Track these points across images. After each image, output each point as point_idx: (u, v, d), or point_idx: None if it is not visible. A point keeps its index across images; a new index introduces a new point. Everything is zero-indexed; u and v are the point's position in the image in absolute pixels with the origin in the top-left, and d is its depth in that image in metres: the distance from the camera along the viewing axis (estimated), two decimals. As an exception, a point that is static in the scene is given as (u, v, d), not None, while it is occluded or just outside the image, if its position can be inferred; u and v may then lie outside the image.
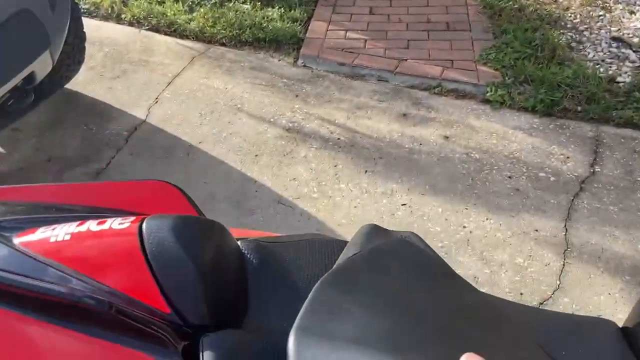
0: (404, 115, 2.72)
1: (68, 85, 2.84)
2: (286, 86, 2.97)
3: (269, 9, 3.49)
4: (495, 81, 2.80)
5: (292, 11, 3.45)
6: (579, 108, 2.64)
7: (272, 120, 2.73)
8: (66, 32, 2.08)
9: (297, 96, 2.89)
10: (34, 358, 0.51)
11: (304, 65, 3.11)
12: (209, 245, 0.59)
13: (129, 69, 3.13)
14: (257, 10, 3.49)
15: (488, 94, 2.75)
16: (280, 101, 2.86)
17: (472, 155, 2.48)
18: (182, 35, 3.40)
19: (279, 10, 3.45)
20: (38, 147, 2.59)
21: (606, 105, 2.60)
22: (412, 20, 3.33)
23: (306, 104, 2.83)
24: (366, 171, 2.41)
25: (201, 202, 2.29)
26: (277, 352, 0.57)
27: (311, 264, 0.68)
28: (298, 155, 2.52)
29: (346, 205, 2.26)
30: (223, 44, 3.32)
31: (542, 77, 2.73)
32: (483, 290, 1.87)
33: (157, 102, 2.88)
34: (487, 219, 2.18)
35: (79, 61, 2.68)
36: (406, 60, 3.01)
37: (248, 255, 0.65)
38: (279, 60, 3.18)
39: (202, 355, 0.51)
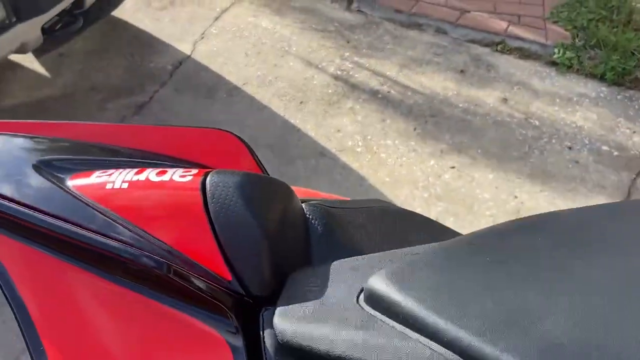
0: (462, 72, 2.56)
1: (115, 13, 2.76)
2: (337, 31, 2.81)
3: (326, -54, 3.27)
4: (564, 42, 2.58)
5: (350, -50, 3.23)
6: (655, 79, 2.42)
7: (320, 66, 2.61)
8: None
9: (348, 42, 2.74)
10: (85, 311, 0.46)
11: (359, 10, 2.94)
12: (275, 208, 0.52)
13: (177, 1, 3.02)
14: (313, -54, 3.28)
15: (555, 56, 2.55)
16: (330, 47, 2.72)
17: (531, 121, 2.32)
18: (233, -31, 3.24)
19: (336, -52, 3.24)
20: (82, 74, 2.55)
21: (686, 79, 2.37)
22: (479, -32, 3.08)
23: (357, 52, 2.68)
24: (415, 129, 2.29)
25: (242, 146, 2.22)
26: None
27: (377, 232, 0.60)
28: (344, 106, 2.41)
29: (391, 163, 2.16)
30: (275, -19, 3.16)
31: (615, 43, 2.50)
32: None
33: (203, 37, 2.78)
34: (540, 191, 2.05)
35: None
36: (469, 12, 2.80)
37: (313, 221, 0.58)
38: (332, 3, 3.01)
39: (263, 332, 0.45)
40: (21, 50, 1.74)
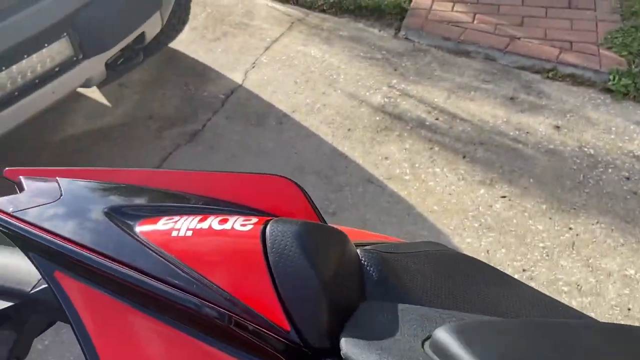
0: (512, 99, 2.52)
1: (170, 45, 2.90)
2: (385, 59, 2.84)
3: (374, -25, 3.33)
4: (619, 69, 2.51)
5: (398, -21, 3.27)
6: None
7: (367, 94, 2.63)
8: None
9: (395, 70, 2.76)
10: (148, 356, 0.48)
11: (406, 38, 2.96)
12: (333, 258, 0.53)
13: (229, 32, 3.13)
14: (360, -24, 3.35)
15: (610, 83, 2.48)
16: (378, 74, 2.74)
17: (586, 149, 2.25)
18: (283, 0, 3.35)
19: (384, -23, 3.29)
20: (140, 104, 2.67)
21: None
22: (529, -6, 3.05)
23: (405, 80, 2.70)
24: (464, 156, 2.27)
25: (290, 173, 2.26)
26: None
27: (432, 279, 0.60)
28: (392, 134, 2.42)
29: (440, 191, 2.14)
30: (323, 11, 3.24)
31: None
32: (587, 300, 1.71)
33: (254, 66, 2.87)
34: (597, 223, 1.98)
35: (184, 21, 2.70)
36: (519, 38, 2.77)
37: (368, 267, 0.59)
38: (380, 31, 3.05)
39: None
40: (86, 84, 1.84)
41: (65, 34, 1.60)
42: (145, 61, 2.56)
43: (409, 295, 0.57)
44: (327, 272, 0.51)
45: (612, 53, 2.61)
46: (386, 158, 2.31)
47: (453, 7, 3.05)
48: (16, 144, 2.49)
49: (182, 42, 3.01)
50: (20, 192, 0.62)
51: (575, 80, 2.56)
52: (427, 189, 2.16)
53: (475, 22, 2.93)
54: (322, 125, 2.50)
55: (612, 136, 2.30)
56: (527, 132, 2.35)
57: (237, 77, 2.80)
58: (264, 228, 0.53)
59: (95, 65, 1.76)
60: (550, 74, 2.60)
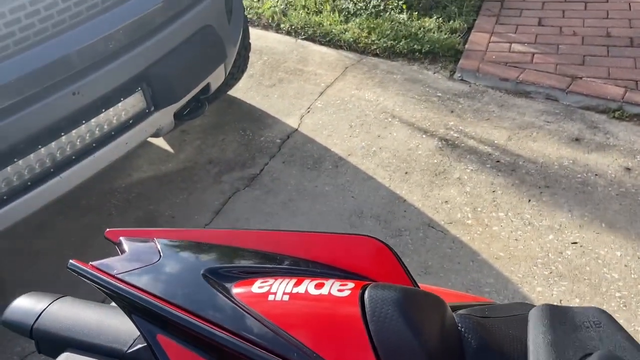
0: (577, 140, 2.44)
1: (229, 92, 2.99)
2: (441, 101, 2.83)
3: (426, 19, 3.37)
4: (693, 106, 2.39)
5: (451, 22, 3.29)
6: None
7: (424, 136, 2.61)
8: (238, 45, 2.17)
9: (452, 112, 2.74)
10: None
11: (462, 79, 2.95)
12: (435, 326, 0.51)
13: (285, 78, 3.21)
14: (413, 20, 3.39)
15: (684, 122, 2.36)
16: (434, 116, 2.72)
17: (662, 192, 2.13)
18: (337, 45, 3.42)
19: (437, 20, 3.32)
20: (201, 149, 2.75)
21: None
22: (588, 33, 2.99)
23: (462, 121, 2.66)
24: (529, 200, 2.19)
25: (348, 217, 2.24)
26: None
27: (525, 345, 0.56)
28: (451, 176, 2.37)
29: (505, 237, 2.07)
30: (376, 55, 3.28)
31: None
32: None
33: (309, 111, 2.91)
34: (680, 272, 1.85)
35: (243, 70, 2.80)
36: (581, 77, 2.70)
37: (466, 334, 0.56)
38: (434, 73, 3.05)
39: None
40: (156, 134, 1.92)
41: (139, 88, 1.68)
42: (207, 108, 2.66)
43: None
44: (430, 341, 0.49)
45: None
46: (446, 202, 2.26)
47: (510, 47, 3.02)
48: (85, 190, 2.60)
49: (240, 89, 3.11)
50: (121, 254, 0.63)
51: (645, 119, 2.46)
52: (492, 234, 2.09)
53: (534, 62, 2.89)
54: (378, 168, 2.49)
55: (690, 178, 2.17)
56: (596, 174, 2.25)
57: (292, 122, 2.85)
58: (362, 293, 0.52)
59: (165, 116, 1.83)
60: (616, 114, 2.51)
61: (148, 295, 0.52)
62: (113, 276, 0.55)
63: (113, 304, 0.71)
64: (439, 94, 2.88)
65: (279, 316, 0.52)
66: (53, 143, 1.49)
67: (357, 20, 3.48)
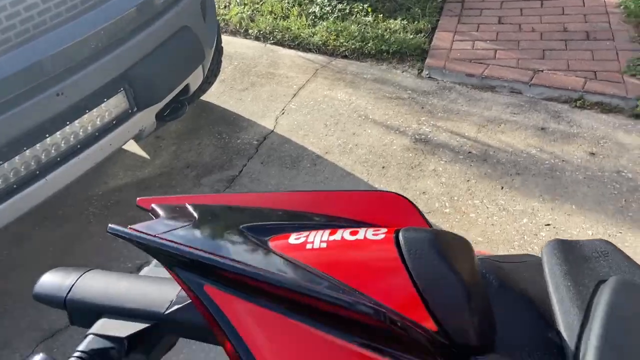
0: (542, 129, 2.56)
1: (202, 97, 3.00)
2: (411, 98, 2.91)
3: (392, 21, 3.47)
4: (647, 94, 2.55)
5: (416, 23, 3.40)
6: None
7: (398, 132, 2.69)
8: (214, 45, 2.19)
9: (422, 108, 2.83)
10: (300, 357, 0.49)
11: (429, 77, 3.04)
12: (464, 262, 0.55)
13: (257, 82, 3.24)
14: (379, 22, 3.48)
15: (639, 108, 2.51)
16: (406, 113, 2.80)
17: (624, 174, 2.26)
18: (306, 49, 3.47)
19: (402, 22, 3.42)
20: (177, 154, 2.74)
21: None
22: (546, 29, 3.15)
23: (433, 116, 2.75)
24: (502, 187, 2.28)
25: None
26: None
27: (542, 285, 0.62)
28: (427, 169, 2.45)
29: (482, 223, 2.15)
30: (345, 57, 3.35)
31: None
32: None
33: (283, 112, 2.95)
34: (646, 245, 1.96)
35: (216, 74, 2.81)
36: (542, 71, 2.84)
37: (487, 275, 0.60)
38: (403, 72, 3.14)
39: None
40: (138, 136, 1.91)
41: (121, 89, 1.68)
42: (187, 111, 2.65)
43: (526, 301, 0.59)
44: (464, 275, 0.53)
45: (636, 80, 2.65)
46: (424, 193, 2.33)
47: (473, 45, 3.14)
48: (62, 199, 2.56)
49: (213, 94, 3.12)
50: (155, 219, 0.65)
51: (604, 107, 2.60)
52: (469, 221, 2.16)
53: (497, 57, 3.01)
54: (356, 164, 2.54)
55: (649, 159, 2.31)
56: (563, 160, 2.37)
57: (268, 124, 2.87)
58: (396, 236, 0.55)
59: (147, 117, 1.83)
60: (578, 103, 2.65)
61: (191, 249, 0.54)
62: (153, 235, 0.57)
63: (144, 272, 0.73)
64: (409, 92, 2.96)
65: (319, 261, 0.55)
66: (38, 145, 1.48)
67: (325, 23, 3.54)
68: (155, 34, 1.76)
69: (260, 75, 3.30)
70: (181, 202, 0.67)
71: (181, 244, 0.55)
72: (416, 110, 2.82)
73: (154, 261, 0.73)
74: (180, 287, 0.65)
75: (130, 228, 0.58)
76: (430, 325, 0.50)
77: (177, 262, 0.55)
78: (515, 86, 2.82)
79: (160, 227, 0.61)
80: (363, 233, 0.57)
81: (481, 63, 2.99)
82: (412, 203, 0.70)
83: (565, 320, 0.54)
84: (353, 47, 3.33)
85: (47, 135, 1.49)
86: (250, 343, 0.50)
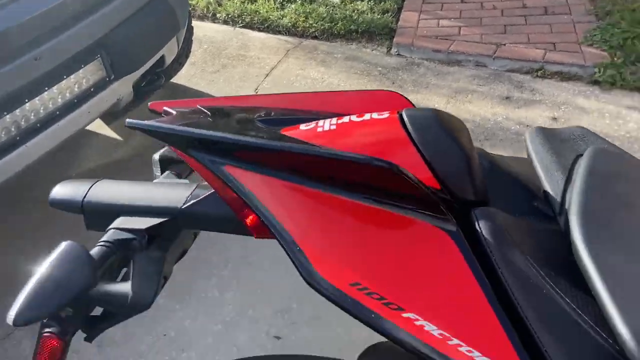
0: (507, 98, 2.67)
1: (173, 80, 2.99)
2: (382, 74, 2.98)
3: (359, 2, 3.53)
4: (603, 62, 2.69)
5: (382, 3, 3.47)
6: (700, 86, 2.49)
7: (370, 106, 2.75)
8: (187, 18, 2.19)
9: (393, 83, 2.90)
10: (323, 220, 0.53)
11: (398, 54, 3.12)
12: (462, 134, 0.61)
13: (228, 64, 3.25)
14: (346, 4, 3.54)
15: (596, 75, 2.65)
16: (378, 88, 2.87)
17: (585, 135, 2.38)
18: (275, 31, 3.50)
19: (369, 3, 3.49)
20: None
21: None
22: (506, 6, 3.27)
23: (403, 91, 2.83)
24: (473, 152, 2.38)
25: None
26: (543, 230, 0.58)
27: (528, 168, 0.68)
28: (400, 139, 2.52)
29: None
30: (315, 37, 3.39)
31: (656, 56, 2.59)
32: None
33: (257, 92, 2.97)
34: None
35: (187, 54, 2.81)
36: (504, 44, 2.95)
37: (479, 156, 0.66)
38: (372, 51, 3.21)
39: (478, 223, 0.53)
40: (116, 106, 1.91)
41: (98, 55, 1.68)
42: (152, 94, 2.64)
43: (518, 177, 0.65)
44: (463, 142, 0.58)
45: (593, 49, 2.79)
46: (398, 161, 2.40)
47: (438, 23, 3.24)
48: (35, 184, 2.52)
49: (183, 77, 3.11)
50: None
51: (564, 76, 2.73)
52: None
53: (461, 34, 3.12)
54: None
55: (607, 121, 2.44)
56: (528, 125, 2.48)
57: (242, 103, 2.89)
58: (400, 115, 0.60)
59: (124, 86, 1.84)
60: (539, 73, 2.77)
61: (211, 131, 0.58)
62: (172, 124, 0.60)
63: (157, 180, 0.76)
64: (379, 69, 3.03)
65: (330, 140, 0.59)
66: (18, 110, 1.47)
67: (293, 6, 3.58)
68: (131, 2, 1.77)
69: (231, 57, 3.31)
70: (193, 105, 0.70)
71: (199, 127, 0.59)
72: (387, 85, 2.89)
73: (166, 172, 0.76)
74: (194, 186, 0.69)
75: (148, 121, 0.61)
76: (434, 184, 0.55)
77: (197, 147, 0.58)
78: (480, 60, 2.92)
79: (176, 120, 0.64)
80: (369, 115, 0.62)
81: (447, 39, 3.08)
82: (406, 98, 0.75)
83: (550, 184, 0.60)
84: (322, 27, 3.38)
85: (27, 101, 1.48)
86: (275, 211, 0.54)
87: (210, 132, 0.58)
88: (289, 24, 3.46)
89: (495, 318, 0.48)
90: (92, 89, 1.69)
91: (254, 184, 0.56)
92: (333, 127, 0.62)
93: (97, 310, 0.72)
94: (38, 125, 1.54)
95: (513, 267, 0.50)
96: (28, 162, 1.57)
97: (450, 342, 0.47)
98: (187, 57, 2.86)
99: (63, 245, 0.59)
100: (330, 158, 0.54)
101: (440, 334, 0.47)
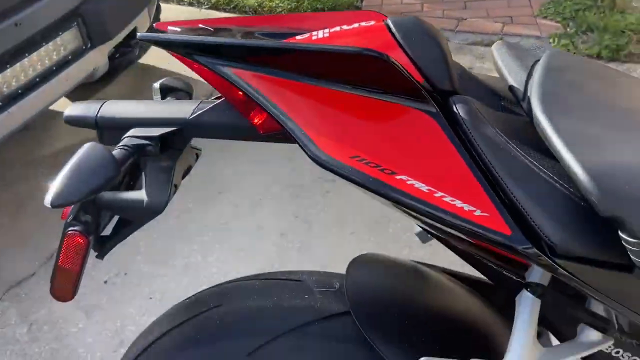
0: (470, 69, 2.80)
1: (144, 60, 3.00)
2: (349, 50, 3.07)
3: (323, -18, 3.61)
4: (557, 32, 2.85)
5: (347, -18, 3.56)
6: (645, 52, 2.67)
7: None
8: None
9: (361, 58, 2.99)
10: (331, 106, 0.61)
11: (364, 31, 3.22)
12: (440, 35, 0.69)
13: (197, 43, 3.27)
14: (311, -16, 3.61)
15: (552, 45, 2.80)
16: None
17: (543, 99, 2.54)
18: (242, 11, 3.54)
19: (333, -18, 3.57)
20: (124, 113, 2.74)
21: (673, 47, 2.62)
22: (466, -17, 3.41)
23: (371, 65, 2.93)
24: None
25: (286, 154, 2.37)
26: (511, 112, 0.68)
27: (499, 81, 0.77)
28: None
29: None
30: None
31: (605, 25, 2.77)
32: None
33: (227, 70, 3.01)
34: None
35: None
36: (466, 19, 3.09)
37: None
38: (339, 28, 3.29)
39: (455, 106, 0.61)
40: (92, 76, 1.94)
41: (75, 23, 1.71)
42: (120, 74, 2.65)
43: (487, 83, 0.75)
44: (442, 42, 0.67)
45: (548, 21, 2.96)
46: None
47: (402, 0, 3.35)
48: (8, 163, 2.51)
49: (152, 57, 3.10)
50: None
51: (522, 47, 2.88)
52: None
53: (424, 10, 3.24)
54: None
55: (562, 86, 2.60)
56: (490, 92, 2.62)
57: (213, 81, 2.93)
58: (386, 22, 0.69)
59: (100, 56, 1.87)
60: (498, 45, 2.91)
61: (214, 36, 0.64)
62: (180, 34, 0.67)
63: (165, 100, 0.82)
64: (347, 45, 3.12)
65: (324, 43, 0.67)
66: (0, 76, 1.49)
67: (259, -13, 3.63)
68: (104, -28, 1.80)
69: (199, 38, 3.34)
70: (195, 24, 0.76)
71: (203, 34, 0.66)
72: (355, 60, 2.98)
73: (167, 98, 0.82)
74: (199, 101, 0.76)
75: (158, 33, 0.67)
76: (418, 78, 0.64)
77: (204, 53, 0.65)
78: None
79: (183, 32, 0.71)
80: (358, 24, 0.70)
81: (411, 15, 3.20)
82: (387, 16, 0.83)
83: (515, 80, 0.69)
84: (289, 7, 3.44)
85: (8, 66, 1.50)
86: (280, 104, 0.61)
87: (217, 39, 0.65)
88: (256, 4, 3.50)
89: (473, 177, 0.57)
90: (69, 57, 1.71)
91: (259, 83, 0.63)
92: (326, 34, 0.69)
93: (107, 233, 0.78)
94: (19, 91, 1.56)
95: (485, 138, 0.59)
96: (9, 131, 1.59)
97: (436, 195, 0.56)
98: (155, 34, 2.87)
99: (86, 145, 0.65)
100: (326, 52, 0.61)
101: (428, 189, 0.56)
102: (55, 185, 0.61)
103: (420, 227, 0.78)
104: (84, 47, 1.78)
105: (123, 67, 2.17)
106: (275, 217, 2.18)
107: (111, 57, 1.98)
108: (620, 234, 0.50)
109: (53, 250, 2.06)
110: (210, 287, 0.95)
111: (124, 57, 2.10)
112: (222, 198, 2.28)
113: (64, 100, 2.58)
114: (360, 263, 0.92)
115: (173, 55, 0.72)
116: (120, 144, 0.70)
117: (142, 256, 2.01)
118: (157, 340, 0.88)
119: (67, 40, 1.71)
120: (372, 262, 0.94)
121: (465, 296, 0.90)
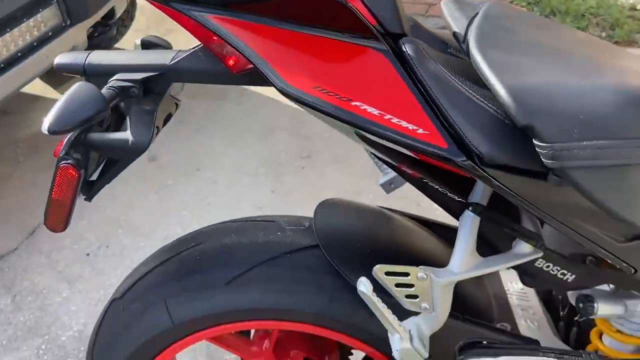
0: (440, 50, 2.91)
1: (120, 46, 3.03)
2: (324, 34, 3.16)
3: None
4: (522, 16, 2.98)
5: (321, -30, 3.64)
6: (604, 34, 2.82)
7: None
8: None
9: (335, 42, 3.08)
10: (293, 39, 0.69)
11: (339, 16, 3.30)
12: None
13: (174, 29, 3.29)
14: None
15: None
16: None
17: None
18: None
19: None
20: (103, 95, 2.79)
21: (629, 30, 2.77)
22: (436, -30, 3.52)
23: (345, 48, 3.01)
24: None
25: (262, 132, 2.45)
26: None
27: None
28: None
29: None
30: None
31: (567, 9, 2.91)
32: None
33: (205, 54, 3.07)
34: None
35: (132, 17, 2.87)
36: (435, 4, 3.19)
37: None
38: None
39: (404, 46, 0.70)
40: (71, 53, 1.98)
41: (54, 1, 1.76)
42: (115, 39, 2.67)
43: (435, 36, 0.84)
44: None
45: (515, 5, 3.08)
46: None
47: (375, -13, 3.45)
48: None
49: (129, 43, 3.15)
50: None
51: (489, 30, 3.01)
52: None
53: (396, -4, 3.33)
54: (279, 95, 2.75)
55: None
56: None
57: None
58: None
59: (79, 34, 1.91)
60: (467, 28, 3.03)
61: None
62: None
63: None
64: (321, 30, 3.20)
65: None
66: (-18, 49, 1.53)
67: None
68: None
69: (176, 23, 3.38)
70: None
71: None
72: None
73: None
74: (177, 50, 0.84)
75: None
76: (370, 20, 0.72)
77: (181, 0, 0.73)
78: (415, 18, 3.14)
79: None
80: None
81: (383, 1, 3.29)
82: None
83: (457, 27, 0.79)
84: (264, -6, 3.50)
85: (-9, 40, 1.55)
86: (251, 44, 0.69)
87: None
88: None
89: (417, 102, 0.66)
90: (50, 33, 1.76)
91: (232, 27, 0.70)
92: None
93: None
94: (2, 65, 1.61)
95: (429, 71, 0.68)
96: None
97: (385, 117, 0.65)
98: (132, 20, 2.92)
99: (78, 83, 0.73)
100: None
101: (379, 113, 0.65)
102: (50, 115, 0.68)
103: (375, 155, 0.87)
104: (63, 25, 1.82)
105: (102, 48, 2.22)
106: (253, 192, 2.26)
107: (90, 36, 2.03)
108: (534, 141, 0.59)
109: (34, 227, 2.11)
110: (190, 232, 1.04)
111: (102, 35, 2.15)
112: (201, 174, 2.35)
113: (42, 85, 2.62)
114: (327, 205, 1.01)
115: (151, 3, 0.80)
116: (107, 85, 0.77)
117: (123, 230, 2.07)
118: (142, 278, 0.96)
119: (47, 17, 1.75)
120: (338, 205, 1.04)
121: (422, 232, 0.99)
